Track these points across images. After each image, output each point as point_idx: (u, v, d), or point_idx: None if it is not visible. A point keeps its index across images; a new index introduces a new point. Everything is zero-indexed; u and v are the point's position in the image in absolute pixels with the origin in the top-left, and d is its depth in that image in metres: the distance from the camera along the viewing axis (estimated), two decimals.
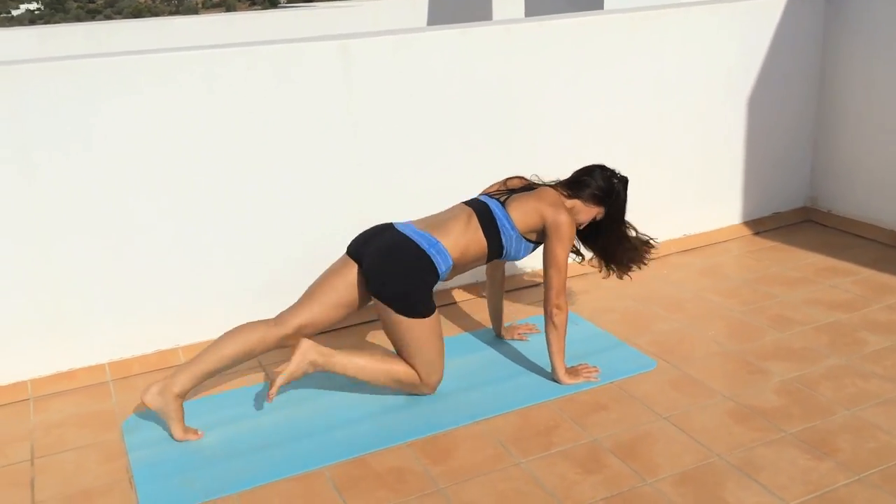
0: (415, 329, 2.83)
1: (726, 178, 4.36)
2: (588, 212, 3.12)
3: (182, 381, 2.81)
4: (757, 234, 4.46)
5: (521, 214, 3.01)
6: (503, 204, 3.04)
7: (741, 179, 4.39)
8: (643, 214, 3.46)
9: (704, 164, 4.27)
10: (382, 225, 3.02)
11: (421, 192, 3.56)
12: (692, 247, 4.29)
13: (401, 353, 2.90)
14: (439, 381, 2.96)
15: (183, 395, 2.82)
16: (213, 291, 3.38)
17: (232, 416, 2.93)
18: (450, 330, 3.52)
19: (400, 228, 2.95)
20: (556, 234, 2.97)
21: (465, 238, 2.95)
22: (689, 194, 4.26)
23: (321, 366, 2.82)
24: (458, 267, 2.98)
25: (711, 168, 4.29)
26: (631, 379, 3.07)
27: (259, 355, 2.96)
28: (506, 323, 3.49)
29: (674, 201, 4.21)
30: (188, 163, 3.19)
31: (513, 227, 3.00)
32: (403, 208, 3.41)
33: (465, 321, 3.62)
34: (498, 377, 3.12)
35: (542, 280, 3.13)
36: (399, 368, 2.89)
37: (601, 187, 3.11)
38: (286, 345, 2.90)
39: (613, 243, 3.21)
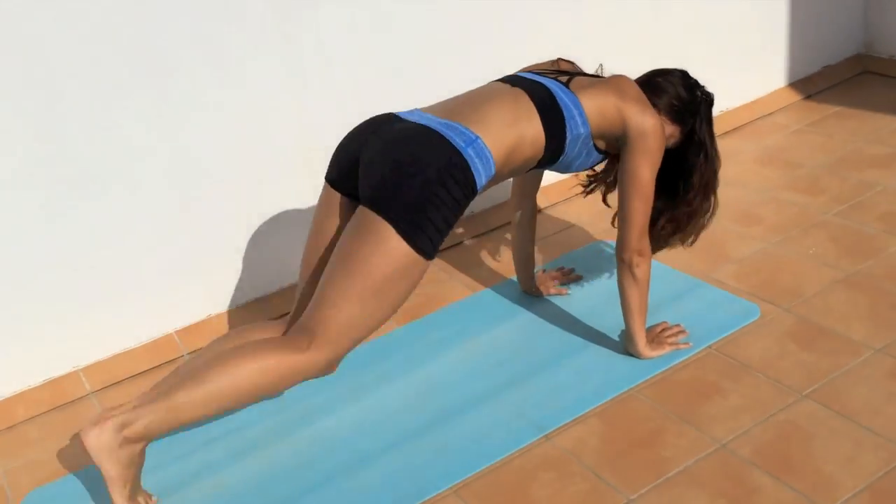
0: (391, 262, 1.76)
1: (764, 28, 3.39)
2: (666, 131, 2.12)
3: (154, 426, 1.77)
4: (808, 97, 3.54)
5: (595, 105, 2.00)
6: (567, 86, 2.03)
7: (783, 26, 3.42)
8: None
9: (737, 13, 3.29)
10: (377, 117, 1.99)
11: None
12: (736, 125, 3.37)
13: (325, 290, 1.80)
14: (340, 359, 1.87)
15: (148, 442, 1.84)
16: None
17: (184, 469, 1.99)
18: (451, 290, 2.59)
19: (410, 117, 1.93)
20: (641, 144, 2.00)
21: (514, 132, 1.92)
22: (725, 54, 3.29)
23: (141, 435, 1.75)
24: (496, 178, 1.97)
25: (745, 17, 3.32)
26: (733, 337, 2.20)
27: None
28: (536, 268, 2.56)
29: (706, 65, 3.23)
30: None
31: (584, 122, 1.99)
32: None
33: (474, 271, 2.68)
34: (547, 360, 2.21)
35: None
36: (268, 358, 1.76)
37: (681, 97, 2.12)
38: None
39: (682, 200, 2.16)
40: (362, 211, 1.81)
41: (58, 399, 2.34)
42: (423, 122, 1.89)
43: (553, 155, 2.01)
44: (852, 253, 2.46)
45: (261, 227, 2.54)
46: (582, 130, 2.00)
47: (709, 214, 2.20)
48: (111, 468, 1.75)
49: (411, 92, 2.53)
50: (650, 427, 1.95)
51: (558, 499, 1.79)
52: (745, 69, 3.40)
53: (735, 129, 3.35)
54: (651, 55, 2.53)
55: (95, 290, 2.35)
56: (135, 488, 1.82)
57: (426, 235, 1.78)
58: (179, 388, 1.74)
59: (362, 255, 1.77)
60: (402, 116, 1.95)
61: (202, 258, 2.47)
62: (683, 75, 2.16)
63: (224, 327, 2.52)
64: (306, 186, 2.51)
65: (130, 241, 2.35)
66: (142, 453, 1.79)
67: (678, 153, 2.15)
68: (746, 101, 3.44)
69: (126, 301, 2.40)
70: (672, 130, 2.13)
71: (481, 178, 1.87)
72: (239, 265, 2.54)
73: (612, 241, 2.50)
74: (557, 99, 1.98)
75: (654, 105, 2.09)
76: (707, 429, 1.92)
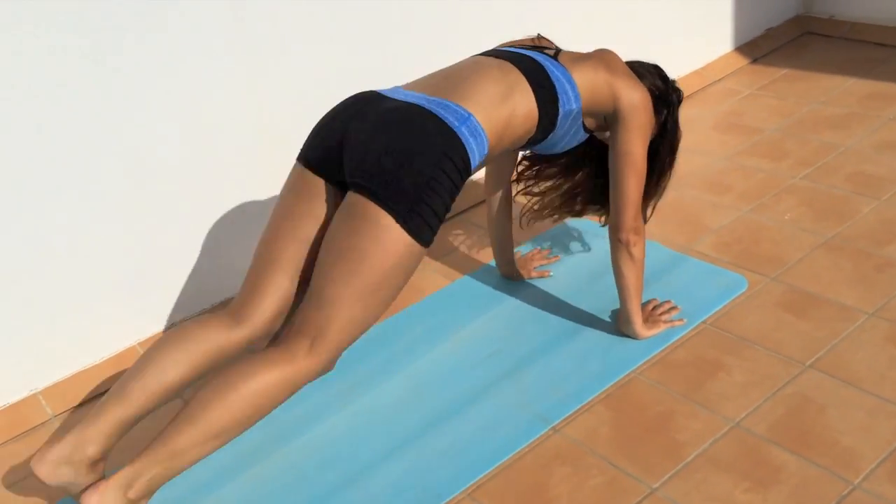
0: (392, 254, 1.65)
1: None
2: None
3: (100, 435, 1.68)
4: (755, 61, 3.54)
5: (587, 80, 1.90)
6: (556, 59, 1.93)
7: None
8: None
9: None
10: (360, 95, 1.85)
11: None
12: (688, 93, 3.33)
13: (322, 290, 1.66)
14: (336, 360, 1.72)
15: (104, 459, 1.72)
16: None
17: (172, 493, 1.85)
18: (427, 279, 2.49)
19: (395, 96, 1.80)
20: (633, 119, 1.92)
21: (507, 108, 1.81)
22: (670, 22, 3.25)
23: (147, 492, 1.61)
24: (489, 157, 1.86)
25: None
26: (725, 310, 2.17)
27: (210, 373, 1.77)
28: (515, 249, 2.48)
29: (651, 32, 3.19)
30: None
31: (577, 97, 1.89)
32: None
33: (449, 259, 2.58)
34: (541, 347, 2.13)
35: None
36: (266, 376, 1.62)
37: (658, 86, 2.06)
38: (255, 349, 1.77)
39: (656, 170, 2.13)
40: (356, 199, 1.68)
41: (16, 427, 2.14)
42: (410, 100, 1.77)
43: (545, 132, 1.92)
44: (827, 216, 2.46)
45: (220, 229, 2.38)
46: (574, 106, 1.91)
47: (657, 198, 2.18)
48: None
49: (381, 72, 2.40)
50: (659, 410, 1.90)
51: (579, 494, 1.72)
52: (691, 36, 3.37)
53: (688, 97, 3.31)
54: (598, 28, 2.46)
55: (47, 305, 2.15)
56: None
57: (426, 223, 1.67)
58: (176, 432, 1.59)
59: (362, 250, 1.65)
60: (387, 95, 1.82)
61: (160, 265, 2.30)
62: (657, 68, 2.11)
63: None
64: (266, 188, 2.36)
65: (82, 250, 2.16)
66: None
67: (657, 142, 2.09)
68: (695, 69, 3.42)
69: (81, 315, 2.21)
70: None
71: (475, 158, 1.76)
72: (200, 269, 2.38)
73: (586, 219, 2.44)
74: (548, 72, 1.88)
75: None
76: (718, 408, 1.88)
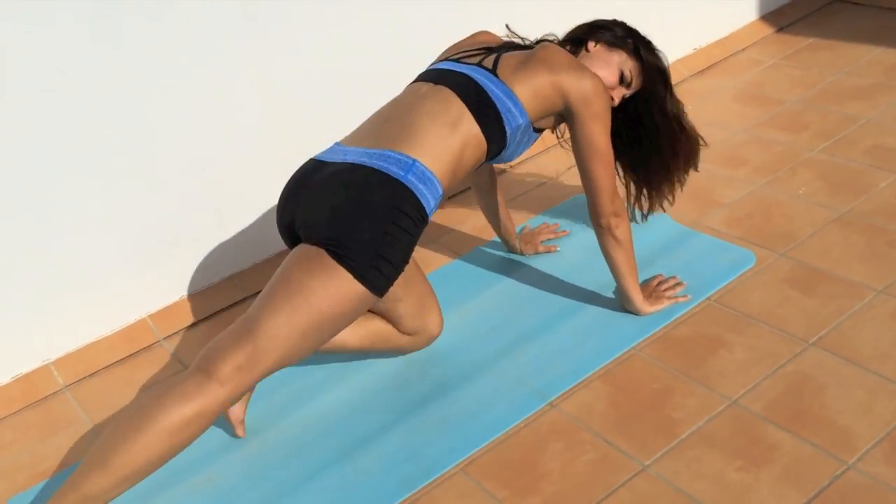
0: (341, 301, 1.63)
1: None
2: (611, 67, 2.00)
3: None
4: (780, 30, 3.45)
5: (529, 90, 1.86)
6: (496, 74, 1.88)
7: None
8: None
9: None
10: (299, 171, 1.82)
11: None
12: (709, 63, 3.27)
13: (252, 325, 1.62)
14: (247, 386, 1.63)
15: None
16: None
17: (171, 463, 1.89)
18: (434, 256, 2.49)
19: (335, 158, 1.78)
20: (587, 110, 1.87)
21: (452, 143, 1.79)
22: None
23: None
24: (445, 194, 1.87)
25: None
26: (731, 286, 2.14)
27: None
28: (518, 227, 2.47)
29: (676, 2, 3.13)
30: None
31: (521, 112, 1.87)
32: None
33: (455, 234, 2.58)
34: (542, 323, 2.12)
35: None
36: (179, 409, 1.55)
37: (613, 31, 2.03)
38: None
39: (665, 141, 2.11)
40: (313, 247, 1.66)
41: (29, 396, 2.20)
42: (350, 159, 1.74)
43: (496, 152, 1.91)
44: (843, 190, 2.40)
45: (229, 203, 2.40)
46: (521, 121, 1.88)
47: (690, 152, 2.15)
48: None
49: (391, 63, 2.39)
50: (657, 387, 1.88)
51: (570, 469, 1.72)
52: (715, 3, 3.29)
53: (709, 67, 3.26)
54: None
55: (59, 278, 2.20)
56: None
57: (382, 275, 1.66)
58: (86, 477, 1.53)
59: (311, 289, 1.62)
60: (325, 160, 1.78)
61: (170, 238, 2.33)
62: (600, 19, 2.07)
63: (198, 308, 2.40)
64: (273, 161, 2.37)
65: (93, 224, 2.20)
66: None
67: (645, 92, 2.05)
68: (719, 38, 3.34)
69: (93, 287, 2.26)
70: (619, 57, 2.00)
71: (430, 203, 1.75)
72: (209, 243, 2.41)
73: None
74: (489, 92, 1.84)
75: (590, 39, 2.02)
76: (716, 385, 1.86)
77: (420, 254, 2.46)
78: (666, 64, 2.06)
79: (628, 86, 2.03)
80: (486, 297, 2.26)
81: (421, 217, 1.73)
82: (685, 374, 1.90)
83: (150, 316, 2.37)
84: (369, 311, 1.93)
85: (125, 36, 2.08)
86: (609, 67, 2.00)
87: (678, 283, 2.14)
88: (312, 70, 2.38)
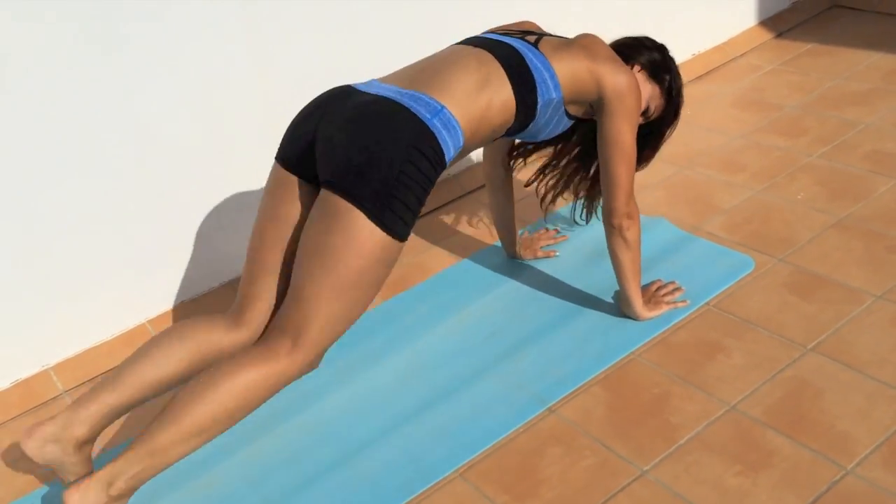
0: (366, 251, 1.64)
1: None
2: (647, 91, 2.04)
3: (89, 418, 1.73)
4: (780, 35, 3.46)
5: (567, 69, 1.86)
6: (537, 48, 1.89)
7: None
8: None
9: None
10: (332, 91, 1.83)
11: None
12: (709, 68, 3.28)
13: (300, 289, 1.67)
14: (323, 355, 1.74)
15: (91, 442, 1.76)
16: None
17: (171, 469, 1.89)
18: (433, 259, 2.49)
19: (368, 90, 1.79)
20: (619, 105, 1.89)
21: (482, 99, 1.79)
22: None
23: (129, 489, 1.65)
24: (464, 149, 1.85)
25: None
26: (730, 292, 2.14)
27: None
28: (519, 231, 2.48)
29: (675, 7, 3.13)
30: None
31: (556, 87, 1.86)
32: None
33: (455, 239, 2.58)
34: (541, 327, 2.12)
35: None
36: (250, 373, 1.64)
37: (656, 59, 2.05)
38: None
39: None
40: (327, 197, 1.67)
41: (28, 401, 2.20)
42: (382, 93, 1.75)
43: (523, 122, 1.90)
44: (841, 196, 2.41)
45: (227, 209, 2.40)
46: (554, 95, 1.87)
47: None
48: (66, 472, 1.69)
49: (385, 58, 2.40)
50: (656, 392, 1.89)
51: (569, 475, 1.73)
52: (714, 9, 3.30)
53: (708, 73, 3.27)
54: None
55: (58, 283, 2.20)
56: None
57: (398, 217, 1.66)
58: (159, 429, 1.61)
59: (335, 247, 1.64)
60: (360, 89, 1.80)
61: (169, 243, 2.34)
62: (649, 39, 2.08)
63: (198, 313, 2.40)
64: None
65: (93, 229, 2.20)
66: None
67: (664, 116, 2.08)
68: (717, 43, 3.35)
69: (92, 292, 2.26)
70: (652, 90, 2.03)
71: (449, 151, 1.74)
72: (208, 249, 2.42)
73: None
74: (527, 61, 1.85)
75: (633, 61, 2.01)
76: (714, 391, 1.86)
77: (419, 258, 2.47)
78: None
79: (646, 118, 2.06)
80: (485, 301, 2.26)
81: (439, 161, 1.72)
82: (684, 380, 1.90)
83: (150, 321, 2.37)
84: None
85: (125, 36, 2.08)
86: (645, 93, 2.03)
87: (677, 289, 2.15)
88: (312, 70, 2.38)
